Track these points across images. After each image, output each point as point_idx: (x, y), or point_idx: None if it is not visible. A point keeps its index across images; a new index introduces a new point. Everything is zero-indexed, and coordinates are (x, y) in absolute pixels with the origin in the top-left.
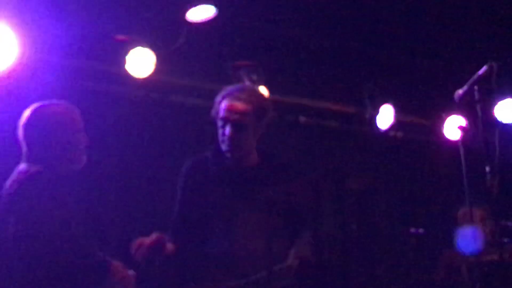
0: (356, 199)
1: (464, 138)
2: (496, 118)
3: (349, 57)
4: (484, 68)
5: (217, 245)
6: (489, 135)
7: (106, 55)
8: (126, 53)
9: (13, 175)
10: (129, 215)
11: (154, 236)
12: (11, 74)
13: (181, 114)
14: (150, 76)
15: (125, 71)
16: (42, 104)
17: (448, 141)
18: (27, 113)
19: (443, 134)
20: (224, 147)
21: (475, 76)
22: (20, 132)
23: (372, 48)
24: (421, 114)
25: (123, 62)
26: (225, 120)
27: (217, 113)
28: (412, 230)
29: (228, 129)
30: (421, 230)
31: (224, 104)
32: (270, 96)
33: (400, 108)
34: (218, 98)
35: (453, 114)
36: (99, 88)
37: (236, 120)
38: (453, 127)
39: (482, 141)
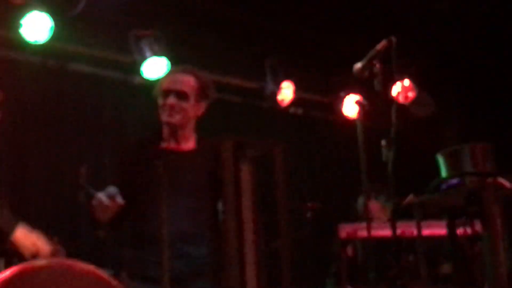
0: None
1: (361, 114)
2: (393, 93)
3: (252, 32)
4: (383, 43)
5: (146, 226)
6: (386, 110)
7: (1, 19)
8: (21, 17)
9: None
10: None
11: (120, 201)
12: None
13: (79, 82)
14: (48, 42)
15: (21, 36)
16: None
17: (346, 118)
18: None
19: (342, 111)
20: (164, 117)
21: (374, 50)
22: None
23: (274, 24)
24: (321, 91)
25: (19, 27)
26: (168, 91)
27: (158, 88)
28: (309, 204)
29: (170, 99)
30: (318, 204)
31: (167, 77)
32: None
33: (300, 85)
34: (163, 76)
35: (352, 91)
36: None
37: (178, 90)
38: (352, 104)
39: (379, 116)
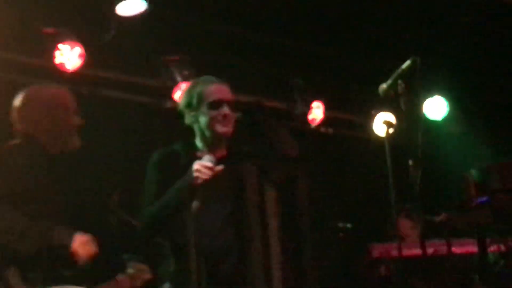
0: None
1: (389, 133)
2: (420, 112)
3: (280, 53)
4: (407, 62)
5: (187, 235)
6: (413, 129)
7: (34, 48)
8: (54, 46)
9: None
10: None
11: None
12: None
13: (111, 108)
14: (79, 70)
15: (54, 64)
16: (38, 86)
17: (377, 136)
18: (23, 93)
19: (373, 129)
20: (220, 128)
21: (399, 70)
22: (15, 112)
23: (302, 44)
24: (351, 110)
25: (52, 55)
26: (220, 101)
27: (200, 100)
28: (340, 224)
29: (224, 109)
30: (349, 225)
31: (213, 88)
32: None
33: (330, 105)
34: (198, 87)
35: (382, 110)
36: (27, 81)
37: (230, 100)
38: (381, 123)
39: (406, 135)
